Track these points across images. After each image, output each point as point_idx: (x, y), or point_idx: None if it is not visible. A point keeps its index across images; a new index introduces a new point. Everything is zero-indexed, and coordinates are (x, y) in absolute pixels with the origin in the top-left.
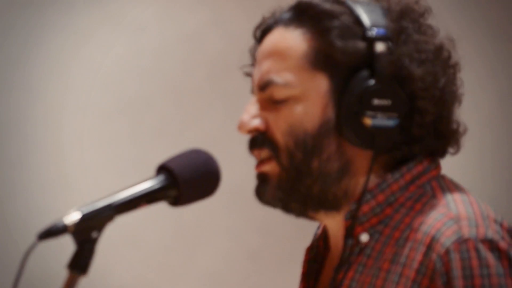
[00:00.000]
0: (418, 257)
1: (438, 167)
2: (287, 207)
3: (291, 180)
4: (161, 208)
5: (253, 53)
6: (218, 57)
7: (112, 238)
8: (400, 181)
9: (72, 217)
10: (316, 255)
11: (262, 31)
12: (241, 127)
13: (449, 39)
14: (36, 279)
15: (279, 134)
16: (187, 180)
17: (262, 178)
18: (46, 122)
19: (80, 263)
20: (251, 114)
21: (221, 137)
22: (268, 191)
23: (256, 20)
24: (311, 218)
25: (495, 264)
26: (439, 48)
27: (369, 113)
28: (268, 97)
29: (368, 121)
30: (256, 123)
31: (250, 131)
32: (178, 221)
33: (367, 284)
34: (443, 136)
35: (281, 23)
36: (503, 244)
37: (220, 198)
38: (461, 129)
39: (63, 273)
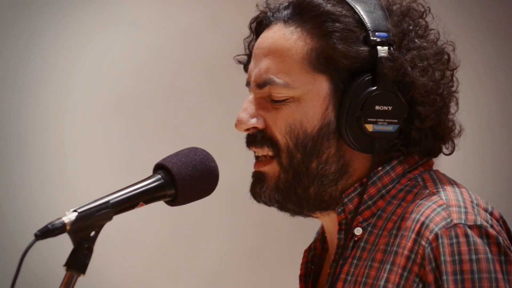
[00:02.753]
0: (409, 244)
1: (430, 161)
2: (283, 208)
3: (289, 181)
4: (160, 206)
5: (248, 44)
6: (214, 55)
7: (110, 236)
8: (391, 174)
9: (70, 216)
10: (314, 257)
11: (258, 24)
12: (238, 125)
13: (449, 42)
14: (34, 277)
15: (279, 134)
16: (184, 179)
17: (259, 177)
18: (46, 121)
19: (77, 262)
20: (249, 113)
21: (218, 135)
22: (265, 191)
23: (251, 18)
24: (307, 216)
25: (484, 249)
26: (440, 53)
27: (371, 119)
28: (266, 95)
29: (369, 128)
30: (254, 122)
31: (247, 129)
32: (176, 219)
33: (362, 275)
34: (440, 137)
35: (280, 19)
36: (492, 231)
37: (218, 196)
38: (456, 129)
39: (61, 272)
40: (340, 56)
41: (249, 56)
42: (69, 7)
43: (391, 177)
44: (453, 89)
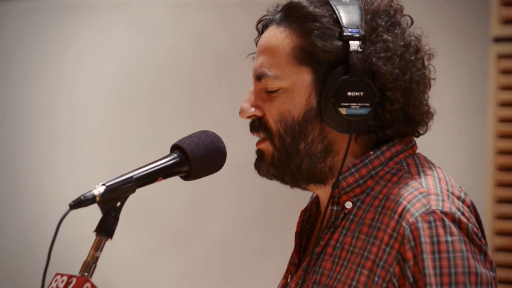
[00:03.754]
0: (391, 223)
1: (414, 146)
2: (282, 180)
3: (282, 159)
4: (176, 181)
5: (256, 43)
6: (223, 52)
7: (134, 206)
8: (380, 158)
9: (99, 189)
10: (309, 217)
11: (263, 25)
12: (241, 113)
13: (417, 36)
14: (69, 242)
15: (272, 121)
16: (197, 157)
17: (260, 155)
18: (77, 107)
19: (106, 229)
20: (249, 103)
21: (226, 120)
22: (264, 166)
23: (256, 20)
24: (304, 189)
25: (457, 232)
26: (407, 45)
27: (344, 104)
28: (263, 87)
29: (343, 111)
30: (253, 111)
31: (249, 117)
32: (190, 192)
33: (349, 244)
34: (412, 119)
35: (275, 22)
36: (463, 218)
37: (226, 171)
38: (430, 111)
39: (92, 237)
40: (319, 50)
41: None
42: (101, 12)
43: (381, 160)
44: (426, 76)
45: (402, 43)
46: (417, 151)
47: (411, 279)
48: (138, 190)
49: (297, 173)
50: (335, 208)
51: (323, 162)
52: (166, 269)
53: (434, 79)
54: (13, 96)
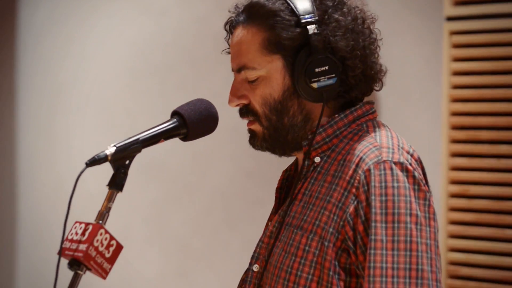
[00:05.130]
0: (350, 172)
1: (374, 113)
2: (273, 151)
3: (272, 135)
4: (182, 142)
5: (227, 41)
6: (221, 33)
7: (148, 163)
8: (344, 120)
9: (111, 149)
10: (288, 176)
11: (230, 26)
12: (230, 103)
13: (360, 7)
14: (86, 195)
15: (258, 106)
16: (193, 121)
17: (252, 134)
18: (96, 80)
19: (116, 183)
20: (235, 94)
21: (223, 90)
22: (257, 142)
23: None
24: (289, 155)
25: (403, 179)
26: (354, 18)
27: (314, 79)
28: (243, 77)
29: (314, 85)
30: (240, 99)
31: (237, 105)
32: (195, 150)
33: (315, 191)
34: (371, 78)
35: (241, 22)
36: (410, 167)
37: (224, 132)
38: (382, 69)
39: (105, 191)
40: (284, 39)
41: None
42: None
43: (344, 122)
44: (374, 41)
45: (350, 18)
46: (389, 112)
47: (363, 217)
48: (152, 151)
49: (285, 144)
50: (306, 162)
51: (304, 130)
52: (176, 216)
53: (381, 39)
54: (43, 70)
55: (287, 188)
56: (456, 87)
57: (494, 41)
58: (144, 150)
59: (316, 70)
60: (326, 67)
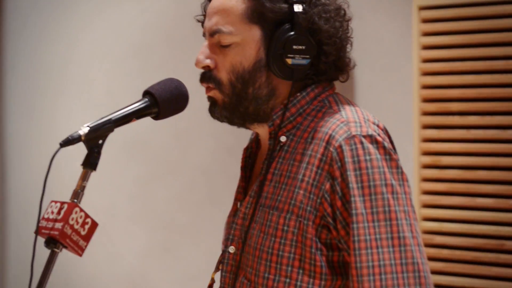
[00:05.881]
0: (320, 150)
1: (333, 87)
2: (231, 122)
3: (233, 103)
4: (165, 119)
5: (204, 8)
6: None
7: (130, 142)
8: (306, 98)
9: (84, 129)
10: (251, 153)
11: None
12: (197, 64)
13: (346, 1)
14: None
15: (224, 72)
16: (164, 100)
17: (212, 101)
18: (81, 62)
19: (90, 162)
20: (204, 55)
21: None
22: (217, 110)
23: None
24: (248, 128)
25: (374, 151)
26: (338, 8)
27: (290, 55)
28: (216, 42)
29: (289, 61)
30: (208, 62)
31: (203, 67)
32: (177, 128)
33: (285, 171)
34: (340, 69)
35: None
36: (379, 138)
37: (204, 109)
38: (352, 63)
39: (79, 171)
40: (267, 11)
41: (205, 16)
42: None
43: (306, 100)
44: (349, 35)
45: (333, 7)
46: (363, 87)
47: (340, 193)
48: (134, 130)
49: (245, 114)
50: (272, 142)
51: (267, 104)
52: (159, 193)
53: (352, 38)
54: (29, 53)
55: (251, 166)
56: (426, 61)
57: (463, 15)
58: (127, 129)
59: (294, 47)
60: (303, 47)
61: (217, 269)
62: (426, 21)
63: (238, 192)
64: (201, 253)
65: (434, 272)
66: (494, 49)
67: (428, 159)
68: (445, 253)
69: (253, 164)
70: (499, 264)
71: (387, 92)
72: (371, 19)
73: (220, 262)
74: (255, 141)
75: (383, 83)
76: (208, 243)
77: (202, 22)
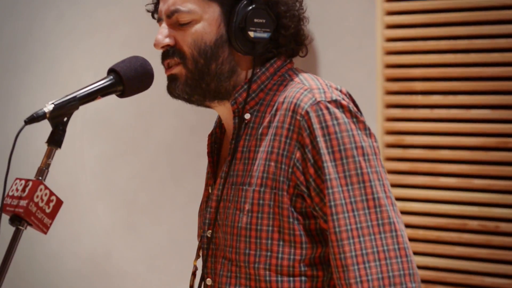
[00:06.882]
0: (287, 119)
1: (291, 62)
2: (190, 99)
3: (195, 79)
4: (126, 99)
5: None
6: None
7: (92, 120)
8: (266, 73)
9: (49, 107)
10: (216, 138)
11: None
12: (156, 44)
13: None
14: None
15: (186, 47)
16: (129, 78)
17: (172, 78)
18: (43, 38)
19: (55, 140)
20: (163, 35)
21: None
22: (178, 86)
23: None
24: (208, 106)
25: (341, 116)
26: None
27: (252, 28)
28: (175, 21)
29: (251, 34)
30: (167, 40)
31: (163, 47)
32: (139, 106)
33: (254, 146)
34: (299, 43)
35: None
36: (344, 102)
37: (166, 87)
38: (309, 39)
39: (44, 148)
40: None
41: (156, 3)
42: None
43: (266, 75)
44: (303, 10)
45: None
46: (326, 65)
47: (312, 160)
48: (96, 107)
49: (206, 91)
50: (236, 121)
51: (229, 81)
52: (123, 171)
53: (308, 17)
54: None
55: (217, 151)
56: (390, 40)
57: None
58: (90, 107)
59: (255, 20)
60: (264, 20)
61: (198, 256)
62: (389, 0)
63: (208, 178)
64: (163, 231)
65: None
66: (457, 28)
67: (391, 139)
68: (408, 232)
69: (219, 148)
70: (462, 244)
71: (350, 71)
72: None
73: (199, 248)
74: (219, 126)
75: (346, 62)
76: (171, 221)
77: (153, 12)
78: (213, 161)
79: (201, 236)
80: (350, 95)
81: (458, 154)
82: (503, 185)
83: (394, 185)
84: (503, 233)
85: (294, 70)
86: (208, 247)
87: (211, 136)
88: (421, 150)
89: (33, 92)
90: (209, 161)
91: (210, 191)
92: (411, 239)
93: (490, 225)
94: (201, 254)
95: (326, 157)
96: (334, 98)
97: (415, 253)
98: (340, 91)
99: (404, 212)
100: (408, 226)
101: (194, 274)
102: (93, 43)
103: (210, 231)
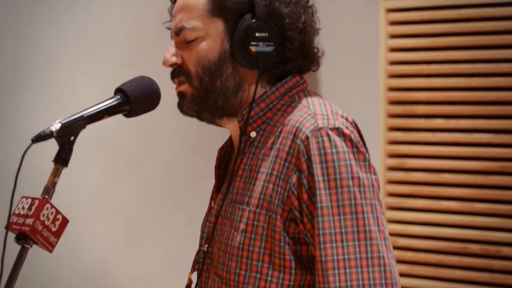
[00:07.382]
0: (288, 143)
1: (305, 83)
2: (200, 116)
3: (202, 96)
4: (124, 118)
5: (170, 12)
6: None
7: (94, 139)
8: (276, 93)
9: (56, 126)
10: (225, 152)
11: None
12: (164, 63)
13: None
14: (32, 173)
15: (191, 66)
16: (136, 98)
17: (181, 96)
18: (44, 57)
19: (62, 159)
20: (171, 53)
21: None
22: (186, 104)
23: None
24: (218, 124)
25: (341, 144)
26: None
27: (253, 43)
28: (182, 39)
29: (252, 48)
30: (175, 59)
31: (171, 65)
32: (140, 126)
33: (255, 165)
34: (307, 57)
35: None
36: (346, 131)
37: (168, 108)
38: (320, 52)
39: (46, 166)
40: (228, 3)
41: (171, 20)
42: None
43: (276, 95)
44: (315, 24)
45: None
46: (329, 88)
47: (306, 186)
48: (98, 127)
49: (214, 108)
50: (243, 138)
51: (235, 97)
52: (122, 190)
53: (319, 28)
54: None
55: (225, 165)
56: (393, 63)
57: (430, 18)
58: (91, 126)
59: (257, 34)
60: (266, 34)
61: (193, 269)
62: (393, 23)
63: (213, 191)
64: (162, 251)
65: (398, 274)
66: (461, 52)
67: (393, 162)
68: (409, 255)
69: (228, 163)
70: (463, 267)
71: (353, 94)
72: (338, 20)
73: (195, 261)
74: (230, 141)
75: (349, 84)
76: (170, 241)
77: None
78: (219, 174)
79: (198, 250)
80: (355, 124)
81: (460, 178)
82: (504, 209)
83: (395, 208)
84: (505, 257)
85: (306, 92)
86: (203, 262)
87: (221, 149)
88: (423, 174)
89: (34, 110)
90: (215, 175)
91: (212, 204)
92: (413, 262)
93: (492, 249)
94: (196, 268)
95: (320, 184)
96: (336, 126)
97: (416, 276)
98: (346, 119)
99: (405, 235)
100: (409, 249)
101: None
102: (95, 62)
103: (207, 245)
